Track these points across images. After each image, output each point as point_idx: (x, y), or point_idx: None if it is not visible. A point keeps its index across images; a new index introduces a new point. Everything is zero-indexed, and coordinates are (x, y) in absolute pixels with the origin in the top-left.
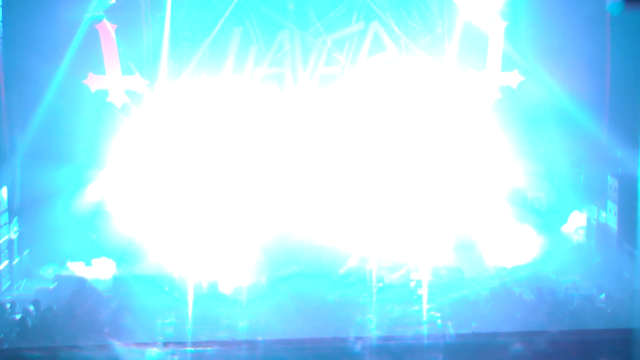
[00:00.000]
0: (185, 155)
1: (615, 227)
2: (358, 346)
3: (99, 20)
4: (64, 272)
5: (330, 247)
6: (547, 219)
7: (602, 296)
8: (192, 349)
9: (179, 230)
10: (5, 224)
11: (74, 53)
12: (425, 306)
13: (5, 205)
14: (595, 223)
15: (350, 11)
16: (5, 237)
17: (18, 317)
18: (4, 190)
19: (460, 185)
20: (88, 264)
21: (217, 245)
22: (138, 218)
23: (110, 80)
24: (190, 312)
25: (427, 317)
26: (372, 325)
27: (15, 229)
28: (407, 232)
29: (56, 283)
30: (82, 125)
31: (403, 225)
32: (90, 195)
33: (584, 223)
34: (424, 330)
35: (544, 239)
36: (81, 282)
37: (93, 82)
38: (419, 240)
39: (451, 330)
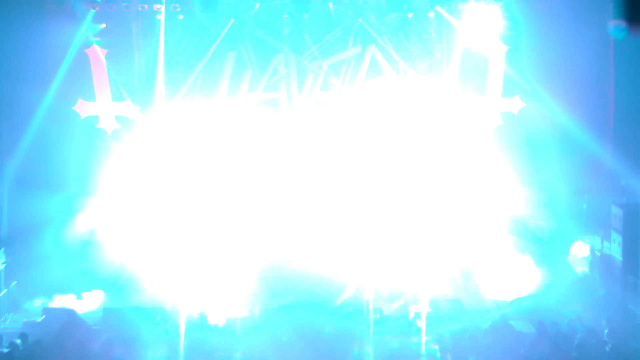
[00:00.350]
0: (179, 181)
1: (620, 258)
2: None
3: (88, 45)
4: (52, 305)
5: (326, 277)
6: (549, 249)
7: (606, 331)
8: None
9: (172, 259)
10: None
11: (63, 79)
12: (423, 338)
13: None
14: (599, 254)
15: (347, 35)
16: None
17: (5, 351)
18: None
19: (459, 213)
20: (78, 296)
21: (211, 274)
22: (129, 247)
23: (100, 106)
24: (182, 344)
25: (426, 350)
26: (369, 358)
27: (2, 260)
28: (405, 261)
29: (44, 316)
30: (72, 153)
31: (401, 254)
32: (81, 224)
33: (588, 254)
34: None
35: (545, 270)
36: (70, 314)
37: (83, 109)
38: (417, 270)
39: None
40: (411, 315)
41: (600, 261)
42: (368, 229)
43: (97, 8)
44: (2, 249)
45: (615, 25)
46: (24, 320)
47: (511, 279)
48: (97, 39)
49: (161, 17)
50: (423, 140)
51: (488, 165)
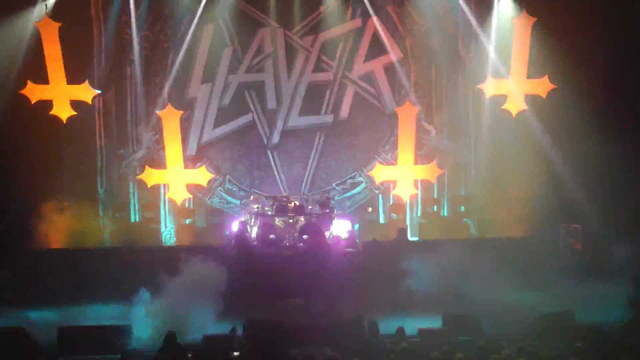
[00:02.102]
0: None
1: None
2: None
3: (40, 16)
4: None
5: None
6: (584, 257)
7: None
8: None
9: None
10: None
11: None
12: None
13: None
14: None
15: (344, 6)
16: None
17: None
18: None
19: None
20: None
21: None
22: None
23: (54, 89)
24: None
25: None
26: None
27: None
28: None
29: None
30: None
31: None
32: None
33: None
34: None
35: (581, 281)
36: (18, 335)
37: (33, 92)
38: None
39: None
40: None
41: None
42: None
43: None
44: None
45: None
46: None
47: (539, 291)
48: (50, 9)
49: None
50: (434, 130)
51: (511, 158)
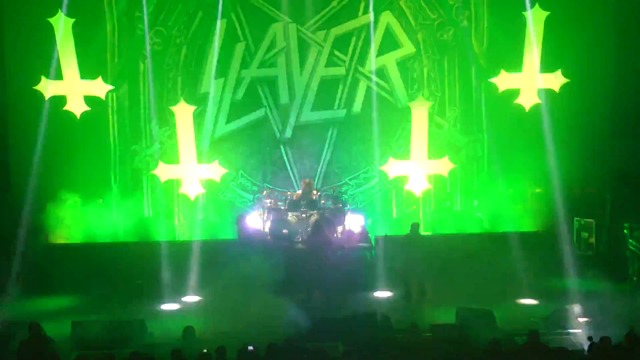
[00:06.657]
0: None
1: None
2: None
3: (53, 12)
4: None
5: None
6: (596, 248)
7: None
8: None
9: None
10: None
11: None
12: None
13: None
14: None
15: (357, 0)
16: None
17: None
18: None
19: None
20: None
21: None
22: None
23: (68, 85)
24: None
25: None
26: None
27: None
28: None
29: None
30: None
31: None
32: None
33: None
34: None
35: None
36: (32, 329)
37: (47, 88)
38: None
39: None
40: None
41: None
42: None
43: None
44: None
45: None
46: None
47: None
48: (63, 5)
49: None
50: (447, 124)
51: (523, 154)
